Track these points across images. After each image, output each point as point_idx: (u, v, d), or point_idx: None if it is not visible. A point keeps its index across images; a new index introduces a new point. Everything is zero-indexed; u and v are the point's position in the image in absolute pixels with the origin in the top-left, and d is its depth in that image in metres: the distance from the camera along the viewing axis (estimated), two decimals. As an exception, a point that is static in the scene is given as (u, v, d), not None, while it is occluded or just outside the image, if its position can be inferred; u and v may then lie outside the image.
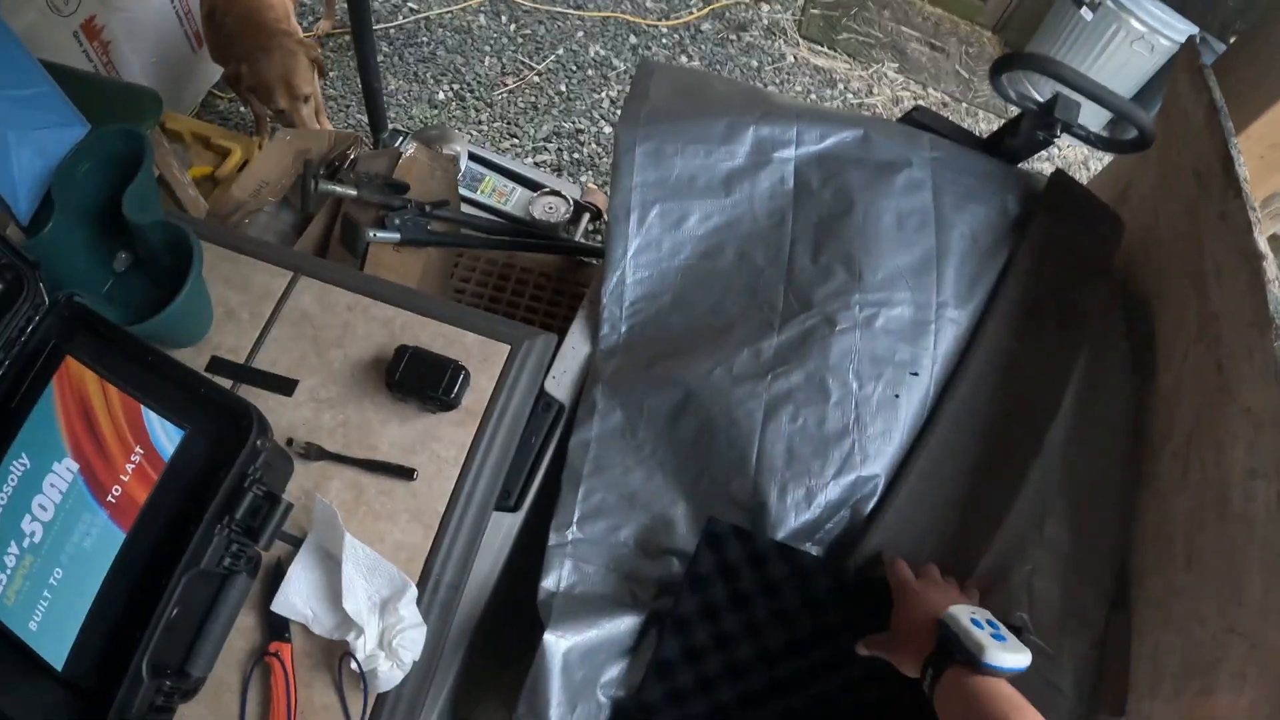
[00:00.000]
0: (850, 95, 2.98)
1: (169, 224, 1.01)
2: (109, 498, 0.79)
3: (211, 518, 0.76)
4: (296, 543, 0.88)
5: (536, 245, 1.71)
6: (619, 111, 2.68)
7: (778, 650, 0.91)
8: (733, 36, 3.03)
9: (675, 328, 1.06)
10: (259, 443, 0.80)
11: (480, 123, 2.63)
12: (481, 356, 1.02)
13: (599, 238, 2.04)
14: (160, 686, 0.75)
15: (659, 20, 2.99)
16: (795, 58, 3.03)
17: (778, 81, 2.95)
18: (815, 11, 3.19)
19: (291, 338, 1.03)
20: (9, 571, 0.80)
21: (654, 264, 1.10)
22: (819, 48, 3.09)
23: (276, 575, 0.87)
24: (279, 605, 0.85)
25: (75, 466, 0.81)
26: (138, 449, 0.80)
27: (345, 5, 1.84)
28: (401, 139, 1.86)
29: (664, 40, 2.96)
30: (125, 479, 0.80)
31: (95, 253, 1.08)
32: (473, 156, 2.00)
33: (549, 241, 1.78)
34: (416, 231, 1.37)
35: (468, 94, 2.69)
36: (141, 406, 0.82)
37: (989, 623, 0.76)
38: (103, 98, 1.34)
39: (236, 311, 1.04)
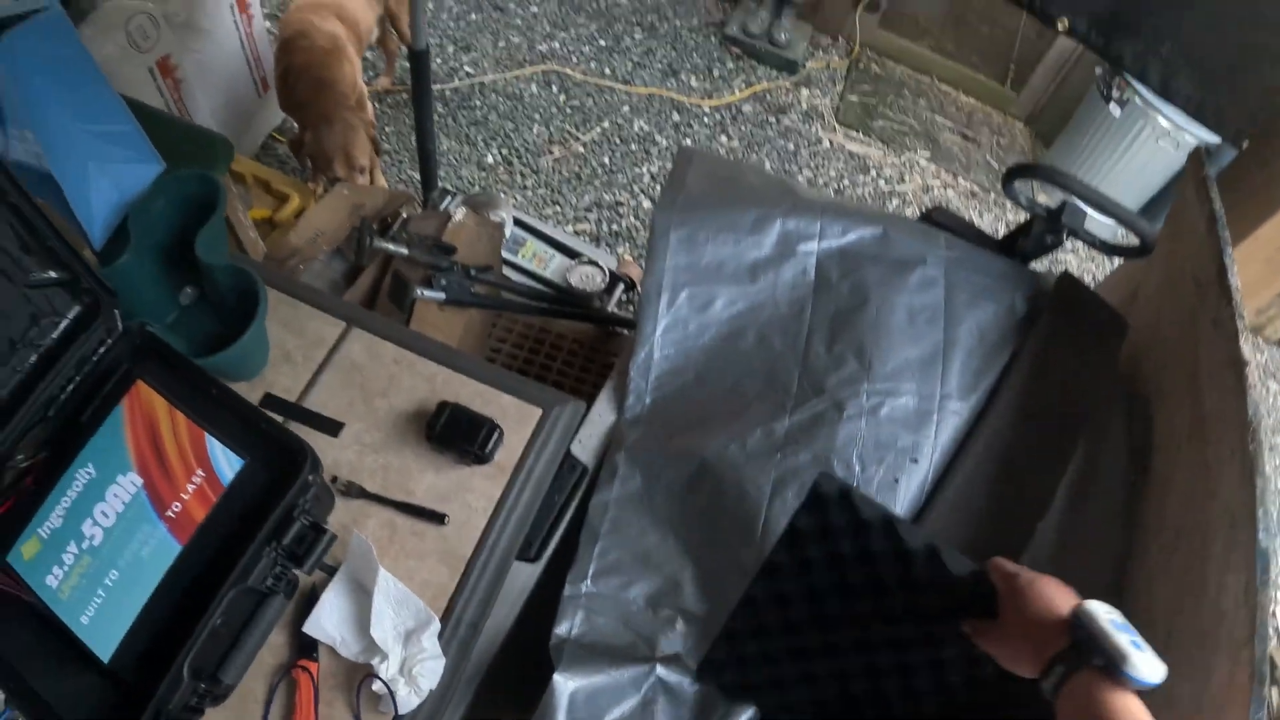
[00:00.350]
0: (882, 182, 3.08)
1: (238, 268, 1.10)
2: (168, 512, 0.87)
3: (262, 540, 0.84)
4: (331, 571, 0.96)
5: (571, 313, 1.81)
6: (658, 187, 2.80)
7: (865, 613, 0.92)
8: (772, 119, 3.16)
9: (696, 403, 1.14)
10: (310, 478, 0.88)
11: (525, 187, 2.75)
12: (516, 417, 1.10)
13: (631, 309, 2.14)
14: (196, 688, 0.82)
15: (702, 99, 3.14)
16: (831, 142, 3.15)
17: (813, 165, 3.07)
18: (853, 99, 3.32)
19: (341, 384, 1.12)
20: (66, 569, 0.87)
21: (680, 342, 1.18)
22: (854, 134, 3.21)
23: (310, 599, 0.94)
24: (310, 627, 0.92)
25: (140, 481, 0.89)
26: (199, 472, 0.89)
27: (405, 64, 1.96)
28: (450, 199, 1.98)
29: (706, 120, 3.09)
30: (185, 498, 0.88)
31: (163, 285, 1.18)
32: (517, 221, 2.11)
33: (583, 311, 1.87)
34: (461, 293, 1.47)
35: (515, 159, 2.82)
36: (206, 434, 0.90)
37: (1125, 627, 0.69)
38: (178, 138, 1.45)
39: (292, 354, 1.14)
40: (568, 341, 1.79)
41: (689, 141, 3.01)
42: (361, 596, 0.93)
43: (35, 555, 0.89)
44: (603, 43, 3.28)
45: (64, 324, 0.94)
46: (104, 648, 0.85)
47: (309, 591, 0.96)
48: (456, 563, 1.00)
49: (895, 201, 3.04)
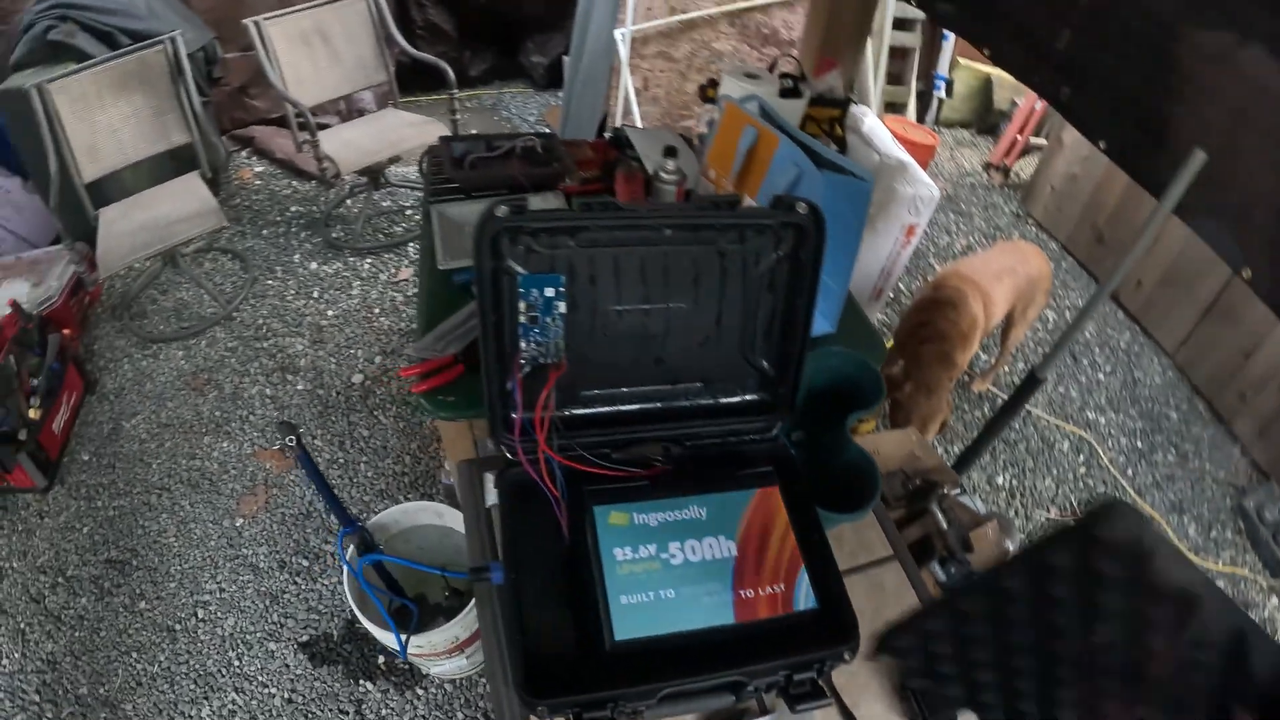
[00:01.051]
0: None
1: (866, 455, 1.30)
2: (741, 591, 1.03)
3: (787, 665, 0.99)
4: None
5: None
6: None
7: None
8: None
9: None
10: (846, 656, 1.01)
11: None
12: None
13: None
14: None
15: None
16: None
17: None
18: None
19: (864, 593, 1.27)
20: (636, 557, 1.04)
21: None
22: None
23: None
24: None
25: (734, 554, 1.06)
26: (781, 585, 1.04)
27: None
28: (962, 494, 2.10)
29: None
30: (760, 593, 1.03)
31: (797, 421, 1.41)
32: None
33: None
34: (952, 584, 1.57)
35: (1018, 495, 2.95)
36: (803, 566, 1.07)
37: None
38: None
39: (842, 542, 1.33)
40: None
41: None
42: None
43: (617, 526, 1.06)
44: (1139, 445, 3.29)
45: (744, 397, 1.21)
46: (620, 631, 0.98)
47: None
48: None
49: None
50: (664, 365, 1.13)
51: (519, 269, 0.98)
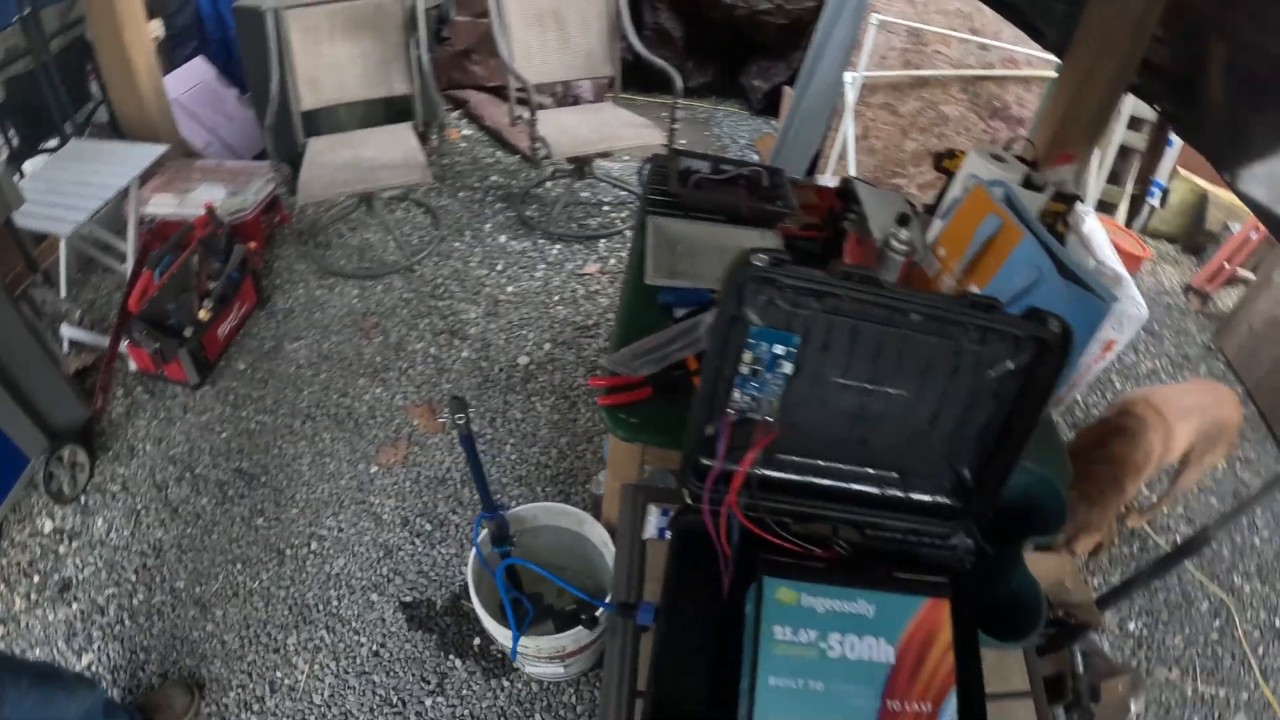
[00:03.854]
0: None
1: (1033, 582, 1.21)
2: (889, 703, 0.97)
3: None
4: None
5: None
6: None
7: None
8: None
9: None
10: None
11: None
12: None
13: None
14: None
15: None
16: None
17: None
18: None
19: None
20: (793, 640, 0.98)
21: None
22: None
23: None
24: None
25: (891, 662, 1.00)
26: (928, 705, 0.98)
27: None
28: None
29: None
30: (908, 708, 0.97)
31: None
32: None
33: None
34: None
35: (1142, 647, 2.74)
36: (953, 689, 1.00)
37: None
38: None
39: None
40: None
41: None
42: None
43: (784, 602, 1.01)
44: (1278, 623, 3.01)
45: (935, 498, 1.15)
46: (759, 713, 0.93)
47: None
48: None
49: None
50: (867, 447, 1.08)
51: (754, 319, 0.95)
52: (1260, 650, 2.89)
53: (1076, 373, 2.59)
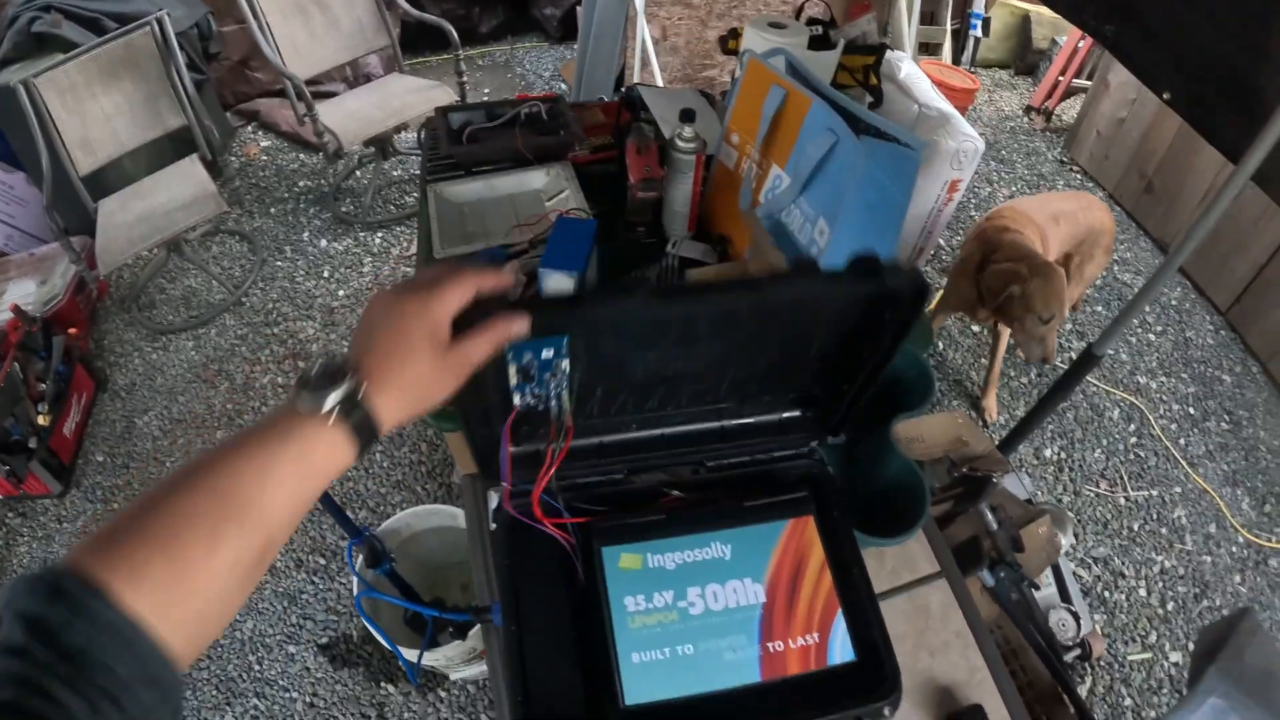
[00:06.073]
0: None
1: (911, 466, 1.15)
2: (769, 645, 0.90)
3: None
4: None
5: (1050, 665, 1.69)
6: (1164, 583, 2.56)
7: None
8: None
9: None
10: (886, 711, 0.88)
11: (1060, 501, 2.73)
12: None
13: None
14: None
15: (1246, 528, 2.78)
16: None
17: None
18: None
19: (904, 618, 1.15)
20: (650, 607, 0.91)
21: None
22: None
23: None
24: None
25: (762, 600, 0.92)
26: (814, 636, 0.91)
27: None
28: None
29: (1234, 549, 2.73)
30: (790, 646, 0.90)
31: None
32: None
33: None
34: (1004, 594, 1.43)
35: (1067, 469, 2.82)
36: (839, 611, 0.93)
37: None
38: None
39: (883, 562, 1.19)
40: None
41: (1208, 560, 2.67)
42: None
43: (629, 570, 0.93)
44: (1192, 411, 3.10)
45: (783, 415, 1.07)
46: (631, 694, 0.86)
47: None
48: None
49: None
50: (691, 392, 0.99)
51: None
52: (1182, 441, 2.98)
53: (929, 219, 2.57)
